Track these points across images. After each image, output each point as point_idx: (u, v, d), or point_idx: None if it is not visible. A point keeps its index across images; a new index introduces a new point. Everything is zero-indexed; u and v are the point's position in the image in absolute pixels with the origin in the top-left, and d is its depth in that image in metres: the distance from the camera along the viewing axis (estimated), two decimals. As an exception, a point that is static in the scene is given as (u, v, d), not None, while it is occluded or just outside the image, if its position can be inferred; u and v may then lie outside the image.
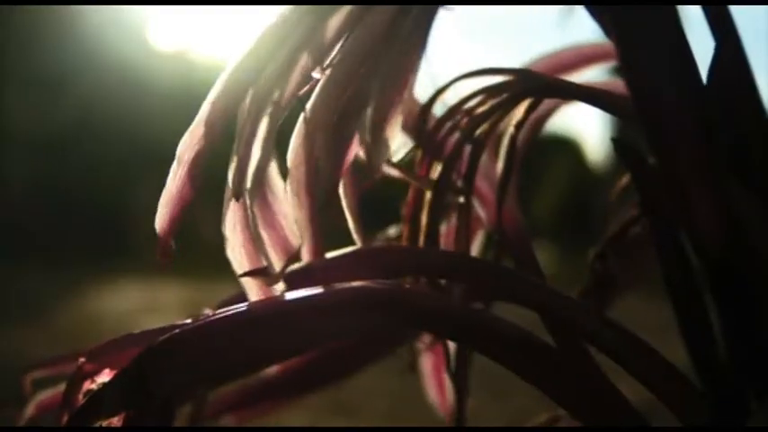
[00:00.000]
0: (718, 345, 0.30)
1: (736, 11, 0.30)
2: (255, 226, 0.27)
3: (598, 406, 0.29)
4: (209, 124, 0.27)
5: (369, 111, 0.25)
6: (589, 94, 0.32)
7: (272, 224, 0.27)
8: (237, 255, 0.28)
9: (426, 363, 0.40)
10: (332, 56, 0.27)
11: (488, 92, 0.31)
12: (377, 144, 0.24)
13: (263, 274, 0.27)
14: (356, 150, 0.26)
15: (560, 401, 0.28)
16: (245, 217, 0.27)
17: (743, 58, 0.29)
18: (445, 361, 0.33)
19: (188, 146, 0.28)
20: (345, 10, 0.27)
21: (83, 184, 6.77)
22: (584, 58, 0.37)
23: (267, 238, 0.27)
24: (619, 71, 0.33)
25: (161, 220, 0.28)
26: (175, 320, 0.28)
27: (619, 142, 0.29)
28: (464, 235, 0.31)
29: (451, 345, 0.33)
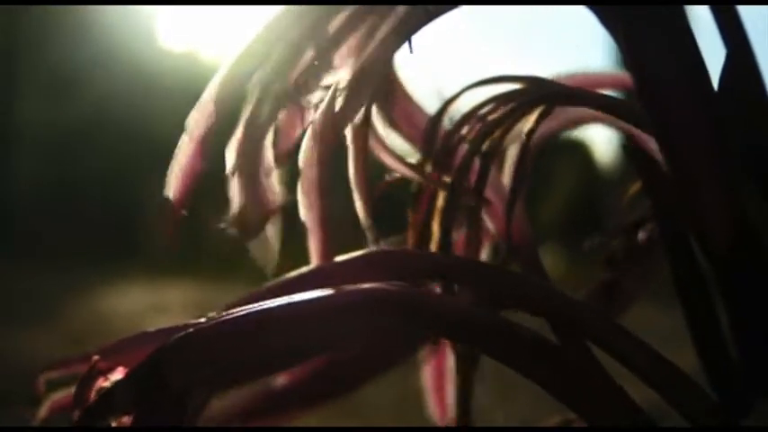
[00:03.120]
0: (728, 347, 0.30)
1: (745, 12, 0.30)
2: (238, 188, 0.28)
3: (608, 407, 0.29)
4: (218, 101, 0.28)
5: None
6: (600, 102, 0.32)
7: (255, 185, 0.27)
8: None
9: (427, 374, 0.39)
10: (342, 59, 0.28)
11: (499, 100, 0.32)
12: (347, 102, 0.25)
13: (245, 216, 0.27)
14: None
15: (571, 404, 0.29)
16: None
17: (753, 61, 0.29)
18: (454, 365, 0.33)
19: (197, 122, 0.29)
20: (350, 9, 0.27)
21: (92, 184, 6.79)
22: (595, 83, 0.37)
23: (249, 194, 0.27)
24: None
25: (173, 190, 0.28)
26: (183, 320, 0.29)
27: (629, 147, 0.30)
28: (474, 242, 0.32)
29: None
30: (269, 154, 0.28)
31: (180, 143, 0.29)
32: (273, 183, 0.28)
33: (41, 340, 2.67)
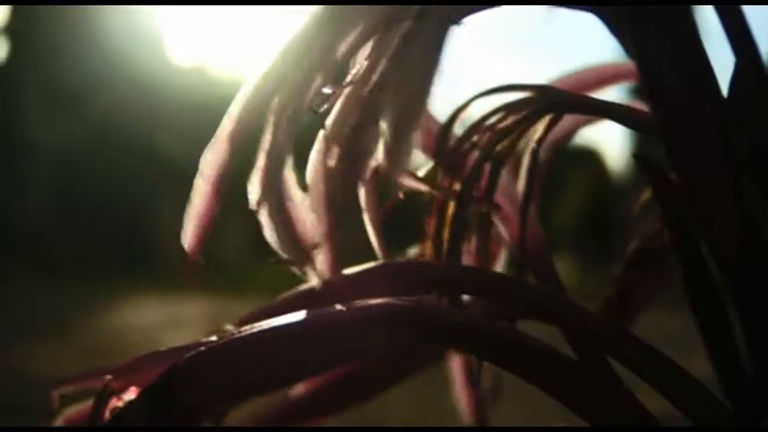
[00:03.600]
0: (740, 354, 0.30)
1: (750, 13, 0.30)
2: (273, 227, 0.27)
3: (621, 419, 0.29)
4: (232, 139, 0.28)
5: (389, 119, 0.25)
6: (609, 110, 0.32)
7: (291, 224, 0.27)
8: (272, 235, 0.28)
9: (457, 375, 0.39)
10: (352, 73, 0.27)
11: (508, 108, 0.31)
12: (395, 156, 0.24)
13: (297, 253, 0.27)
14: (373, 163, 0.26)
15: (585, 415, 0.29)
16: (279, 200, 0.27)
17: (762, 67, 0.29)
18: (470, 374, 0.33)
19: (211, 161, 0.28)
20: (361, 25, 0.27)
21: (102, 198, 6.82)
22: (605, 77, 0.37)
23: (286, 235, 0.27)
24: (638, 93, 0.33)
25: (188, 236, 0.28)
26: (198, 335, 0.29)
27: (640, 157, 0.29)
28: (485, 250, 0.32)
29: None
30: (293, 183, 0.27)
31: (195, 184, 0.28)
32: (305, 211, 0.27)
33: (57, 354, 2.68)
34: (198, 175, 0.28)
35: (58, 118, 6.90)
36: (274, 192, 0.27)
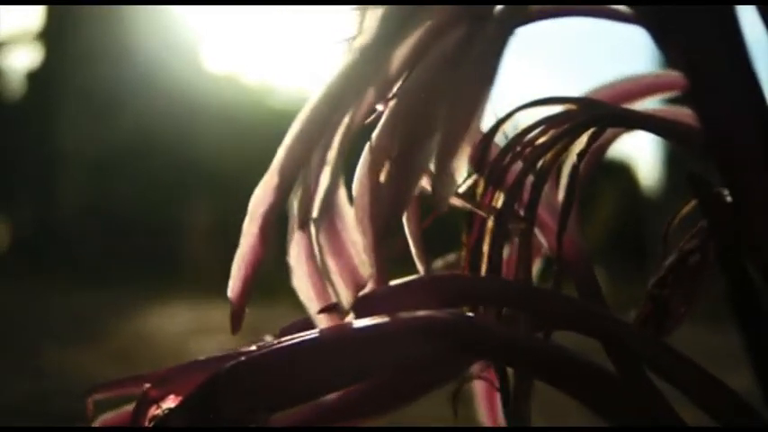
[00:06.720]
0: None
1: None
2: (322, 255, 0.27)
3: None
4: (283, 174, 0.27)
5: (436, 141, 0.24)
6: (652, 123, 0.32)
7: (341, 253, 0.27)
8: (303, 285, 0.28)
9: (479, 388, 0.39)
10: (398, 84, 0.27)
11: (550, 121, 0.31)
12: (443, 176, 0.23)
13: (333, 309, 0.27)
14: (422, 180, 0.26)
15: (624, 428, 0.28)
16: (311, 247, 0.27)
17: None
18: (501, 390, 0.32)
19: (261, 200, 0.27)
20: (414, 38, 0.26)
21: (134, 205, 6.86)
22: (644, 89, 0.36)
23: (335, 266, 0.27)
24: (671, 101, 0.33)
25: (235, 283, 0.28)
26: (226, 342, 0.29)
27: (691, 175, 0.29)
28: (525, 263, 0.31)
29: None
30: (345, 202, 0.27)
31: (244, 226, 0.28)
32: (356, 233, 0.27)
33: (87, 359, 2.70)
34: (247, 217, 0.28)
35: (90, 124, 6.95)
36: (326, 214, 0.26)
